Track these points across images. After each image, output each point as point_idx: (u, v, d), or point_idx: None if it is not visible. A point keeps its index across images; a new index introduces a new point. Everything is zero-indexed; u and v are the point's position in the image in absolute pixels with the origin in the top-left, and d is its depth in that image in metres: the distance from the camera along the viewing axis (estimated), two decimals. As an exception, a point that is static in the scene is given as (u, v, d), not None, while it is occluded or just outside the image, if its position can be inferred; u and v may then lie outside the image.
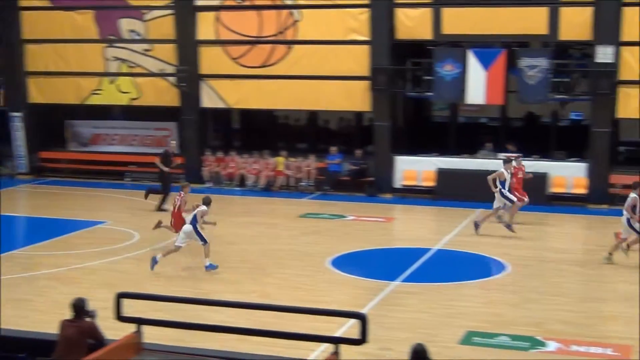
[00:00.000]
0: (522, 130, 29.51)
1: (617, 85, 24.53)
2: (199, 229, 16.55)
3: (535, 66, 24.96)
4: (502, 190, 20.23)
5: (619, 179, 25.28)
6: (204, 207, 16.69)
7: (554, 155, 26.01)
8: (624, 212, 17.59)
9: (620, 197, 25.02)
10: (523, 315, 14.15)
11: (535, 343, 12.57)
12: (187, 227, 16.60)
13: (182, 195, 18.28)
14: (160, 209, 22.90)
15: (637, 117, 24.99)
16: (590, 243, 20.35)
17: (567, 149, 26.23)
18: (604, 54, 24.37)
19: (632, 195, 17.63)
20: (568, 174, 25.20)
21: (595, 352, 12.27)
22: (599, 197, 24.79)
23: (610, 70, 24.33)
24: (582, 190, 24.96)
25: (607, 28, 24.28)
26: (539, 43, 26.02)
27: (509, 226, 20.27)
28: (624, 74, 24.50)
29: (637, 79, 24.41)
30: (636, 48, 24.39)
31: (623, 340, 12.81)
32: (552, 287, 16.05)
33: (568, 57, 27.45)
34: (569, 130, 29.17)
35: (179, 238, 16.82)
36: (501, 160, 21.34)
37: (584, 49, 26.69)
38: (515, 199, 20.54)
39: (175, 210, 18.26)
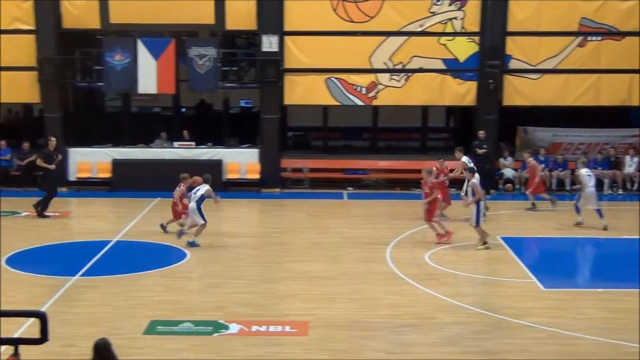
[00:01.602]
0: (195, 119, 29.96)
1: (283, 74, 25.65)
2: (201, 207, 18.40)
3: (204, 55, 25.43)
4: None
5: (288, 163, 26.55)
6: (208, 187, 18.47)
7: (227, 142, 26.66)
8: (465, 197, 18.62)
9: (291, 180, 26.39)
10: (205, 300, 14.48)
11: (219, 327, 12.91)
12: (192, 205, 18.29)
13: (181, 186, 19.49)
14: (42, 214, 21.45)
15: (302, 103, 26.37)
16: (265, 226, 21.18)
17: (240, 135, 27.02)
18: (269, 43, 25.35)
19: (473, 180, 18.49)
20: (241, 160, 25.97)
21: (274, 330, 12.83)
22: (271, 181, 25.82)
23: (275, 59, 25.38)
24: (255, 175, 25.84)
25: (271, 18, 25.30)
26: (207, 33, 26.54)
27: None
28: (289, 63, 25.68)
29: (301, 67, 25.71)
30: (298, 37, 25.66)
31: (300, 317, 13.52)
32: (231, 271, 16.55)
33: (236, 46, 28.32)
34: (240, 118, 30.05)
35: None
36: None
37: (251, 38, 27.66)
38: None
39: (176, 201, 19.62)
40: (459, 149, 21.77)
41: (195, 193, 18.48)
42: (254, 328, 12.90)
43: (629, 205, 24.83)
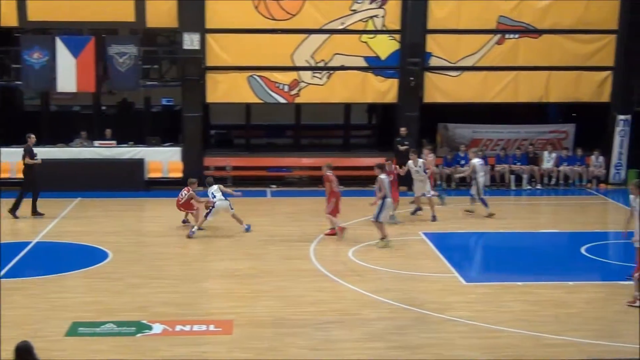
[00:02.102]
0: (117, 117, 29.54)
1: (205, 71, 25.53)
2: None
3: (125, 53, 25.16)
4: None
5: (211, 161, 26.41)
6: (216, 185, 20.11)
7: (148, 141, 26.38)
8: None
9: (215, 178, 26.20)
10: (127, 300, 14.35)
11: (142, 327, 12.82)
12: (224, 203, 19.72)
13: (189, 190, 20.15)
14: (36, 212, 21.31)
15: (225, 101, 26.29)
16: (188, 225, 21.00)
17: (161, 134, 26.75)
18: (190, 41, 25.21)
19: (381, 176, 18.38)
20: (163, 159, 25.74)
21: (199, 329, 12.80)
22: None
23: (197, 57, 25.24)
24: (178, 174, 25.59)
25: (192, 16, 25.15)
26: (128, 30, 26.25)
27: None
28: (211, 60, 25.56)
29: (223, 65, 25.62)
30: (220, 35, 25.55)
31: (224, 316, 13.51)
32: (154, 270, 16.42)
33: (157, 44, 28.06)
34: (162, 116, 29.77)
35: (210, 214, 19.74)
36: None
37: (172, 36, 27.44)
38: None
39: (181, 202, 20.22)
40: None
41: (214, 197, 19.70)
42: (178, 328, 12.84)
43: (547, 200, 25.39)
